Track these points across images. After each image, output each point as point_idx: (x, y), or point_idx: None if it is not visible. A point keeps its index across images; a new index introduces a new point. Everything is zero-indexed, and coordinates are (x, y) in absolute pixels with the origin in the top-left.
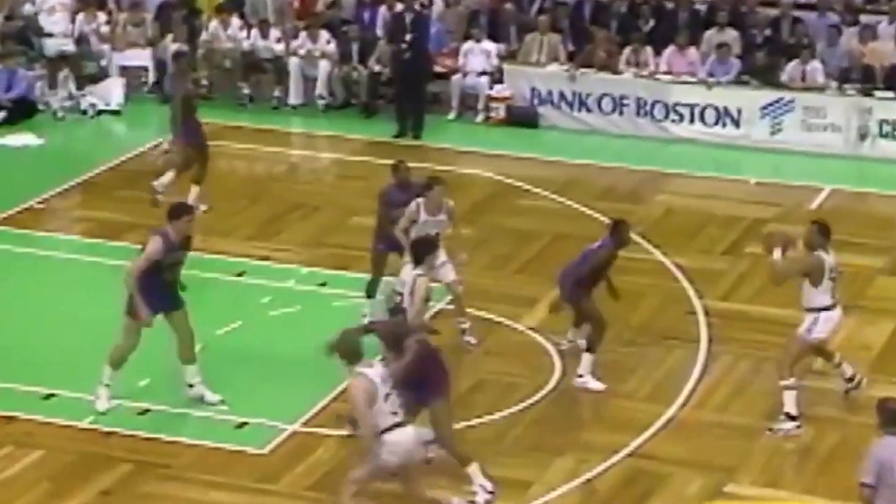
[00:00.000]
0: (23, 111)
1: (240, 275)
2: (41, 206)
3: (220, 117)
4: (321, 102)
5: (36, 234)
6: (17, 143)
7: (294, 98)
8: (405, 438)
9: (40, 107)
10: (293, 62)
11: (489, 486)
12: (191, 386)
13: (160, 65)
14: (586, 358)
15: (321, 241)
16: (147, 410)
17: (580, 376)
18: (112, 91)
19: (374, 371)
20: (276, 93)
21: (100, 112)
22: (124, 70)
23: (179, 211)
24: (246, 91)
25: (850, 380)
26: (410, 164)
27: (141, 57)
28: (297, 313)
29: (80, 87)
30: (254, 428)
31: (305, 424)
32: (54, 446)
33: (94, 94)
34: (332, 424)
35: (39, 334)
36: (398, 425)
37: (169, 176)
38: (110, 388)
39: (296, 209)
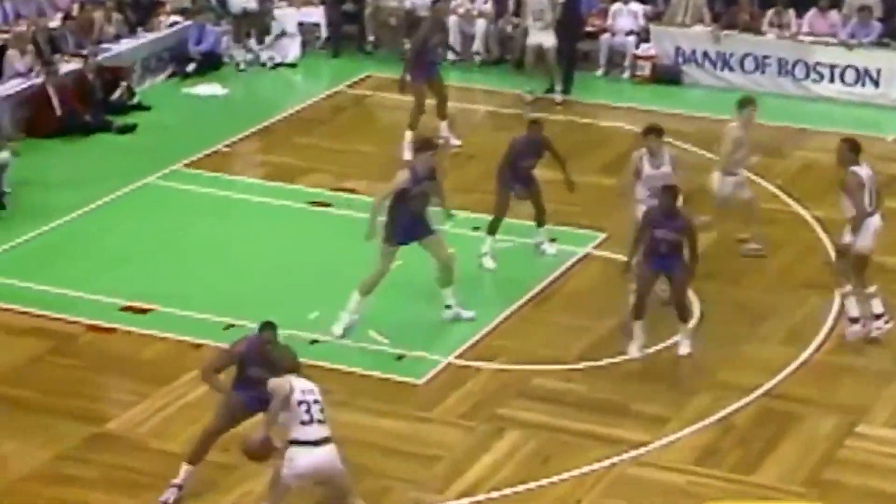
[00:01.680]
0: (210, 63)
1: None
2: (227, 150)
3: (385, 71)
4: (477, 58)
5: (223, 176)
6: (205, 92)
7: (452, 53)
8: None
9: (225, 59)
10: (452, 20)
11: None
12: (448, 307)
13: (332, 21)
14: None
15: (474, 188)
16: (315, 341)
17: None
18: (289, 46)
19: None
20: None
21: (277, 65)
22: (300, 26)
23: (425, 145)
24: (408, 47)
25: (879, 317)
26: (561, 118)
27: (314, 14)
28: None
29: (260, 42)
30: (412, 360)
31: (459, 357)
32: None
33: (273, 48)
34: (483, 357)
35: (224, 267)
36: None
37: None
38: (353, 314)
39: (452, 157)
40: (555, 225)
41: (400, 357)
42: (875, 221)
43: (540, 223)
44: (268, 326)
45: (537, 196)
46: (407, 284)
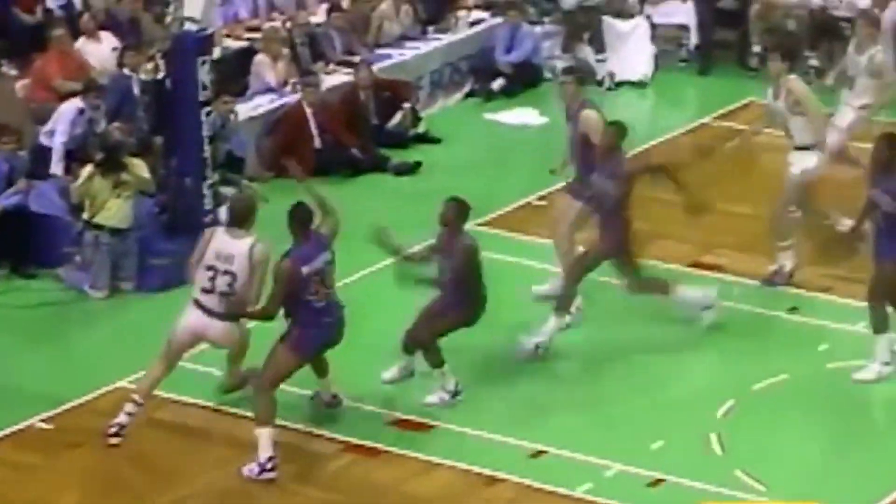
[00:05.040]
0: (525, 79)
1: (791, 311)
2: (541, 202)
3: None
4: None
5: (533, 241)
6: (516, 120)
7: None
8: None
9: (546, 74)
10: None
11: None
12: None
13: (703, 24)
14: None
15: None
16: (660, 481)
17: None
18: (639, 57)
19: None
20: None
21: (619, 84)
22: (655, 29)
23: None
24: (814, 62)
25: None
26: None
27: (679, 13)
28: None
29: (599, 49)
30: None
31: None
32: None
33: (615, 59)
34: None
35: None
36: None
37: None
38: None
39: None
40: None
41: None
42: None
43: None
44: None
45: None
46: (785, 410)
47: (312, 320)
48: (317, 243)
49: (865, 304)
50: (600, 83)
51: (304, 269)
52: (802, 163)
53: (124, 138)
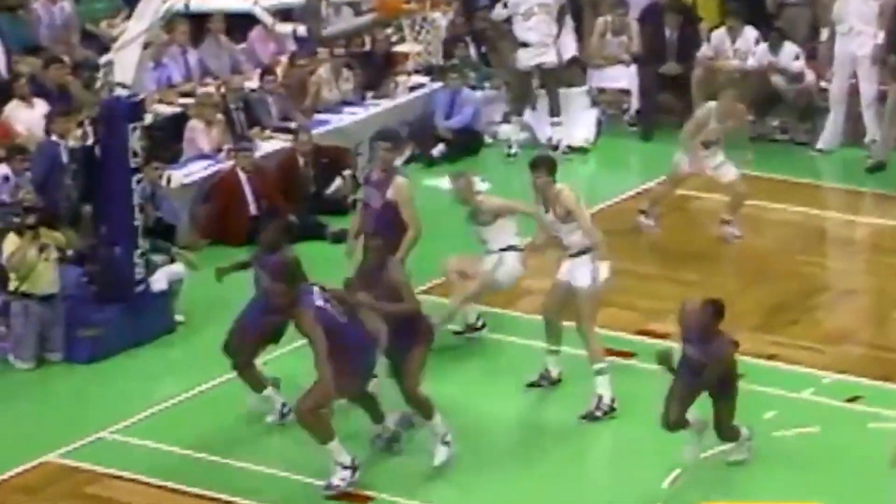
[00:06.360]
0: (466, 145)
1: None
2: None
3: None
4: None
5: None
6: (447, 185)
7: (826, 141)
8: None
9: (488, 139)
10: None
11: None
12: None
13: (645, 88)
14: None
15: (852, 338)
16: None
17: None
18: (582, 123)
19: None
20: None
21: (557, 148)
22: (599, 93)
23: None
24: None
25: None
26: None
27: (622, 77)
28: (815, 437)
29: (553, 112)
30: None
31: None
32: None
33: (560, 124)
34: None
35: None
36: None
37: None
38: None
39: (819, 292)
40: None
41: None
42: None
43: None
44: None
45: None
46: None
47: None
48: None
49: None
50: (555, 147)
51: None
52: (579, 270)
53: (35, 203)
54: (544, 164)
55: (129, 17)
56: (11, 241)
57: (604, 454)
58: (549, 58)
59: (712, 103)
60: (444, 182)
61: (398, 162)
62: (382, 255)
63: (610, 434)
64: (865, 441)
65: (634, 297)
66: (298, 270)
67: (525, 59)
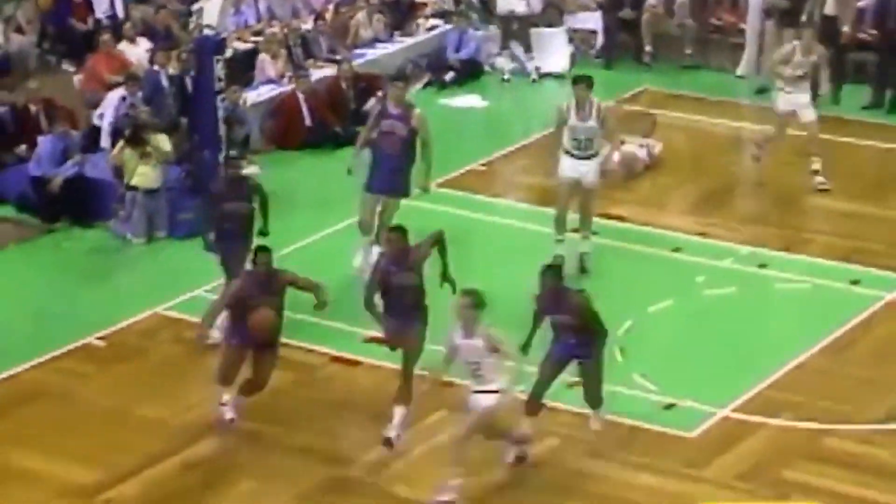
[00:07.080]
0: (470, 72)
1: (675, 250)
2: (483, 168)
3: (662, 85)
4: None
5: (475, 196)
6: (464, 104)
7: (744, 67)
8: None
9: (487, 68)
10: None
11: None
12: None
13: (608, 29)
14: None
15: (765, 220)
16: (575, 384)
17: None
18: (558, 54)
19: None
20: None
21: (543, 76)
22: (574, 33)
23: None
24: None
25: None
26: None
27: (590, 20)
28: (733, 295)
29: (527, 49)
30: (682, 410)
31: (736, 410)
32: None
33: (540, 57)
34: (765, 412)
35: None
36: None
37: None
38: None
39: (740, 185)
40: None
41: (669, 406)
42: None
43: None
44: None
45: None
46: (673, 327)
47: None
48: None
49: (732, 244)
50: (528, 76)
51: None
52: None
53: (148, 119)
54: (585, 80)
55: None
56: (119, 146)
57: None
58: (520, 7)
59: (796, 41)
60: (460, 100)
61: (417, 88)
62: (405, 243)
63: None
64: (773, 297)
65: None
66: None
67: (502, 6)
